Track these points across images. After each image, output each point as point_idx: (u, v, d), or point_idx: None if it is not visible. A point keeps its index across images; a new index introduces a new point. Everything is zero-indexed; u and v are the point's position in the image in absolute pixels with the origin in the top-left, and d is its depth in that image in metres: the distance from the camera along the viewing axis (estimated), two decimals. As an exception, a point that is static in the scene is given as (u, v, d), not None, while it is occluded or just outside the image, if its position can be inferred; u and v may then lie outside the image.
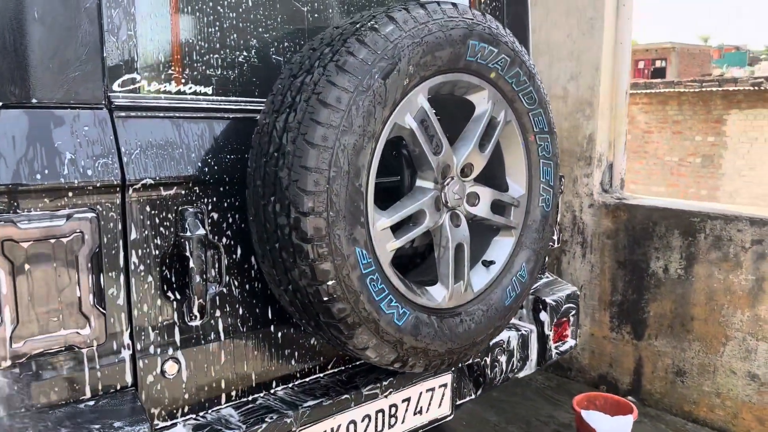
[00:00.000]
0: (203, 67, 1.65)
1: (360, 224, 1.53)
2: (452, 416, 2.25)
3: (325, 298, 1.50)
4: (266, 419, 1.65)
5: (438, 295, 1.76)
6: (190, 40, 1.62)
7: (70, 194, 1.39)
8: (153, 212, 1.53)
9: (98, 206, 1.44)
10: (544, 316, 2.44)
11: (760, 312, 3.04)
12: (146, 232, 1.52)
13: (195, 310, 1.58)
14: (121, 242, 1.48)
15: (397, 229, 1.69)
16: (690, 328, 3.31)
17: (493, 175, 1.93)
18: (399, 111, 1.58)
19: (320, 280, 1.48)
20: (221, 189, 1.64)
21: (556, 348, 2.50)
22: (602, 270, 3.67)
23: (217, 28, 1.66)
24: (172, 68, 1.60)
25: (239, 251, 1.69)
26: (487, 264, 1.92)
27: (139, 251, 1.52)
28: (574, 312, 2.57)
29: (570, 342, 2.59)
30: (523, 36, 2.40)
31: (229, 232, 1.67)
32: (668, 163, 14.26)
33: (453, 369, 2.08)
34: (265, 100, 1.73)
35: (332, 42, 1.55)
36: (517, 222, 1.95)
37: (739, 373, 3.14)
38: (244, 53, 1.72)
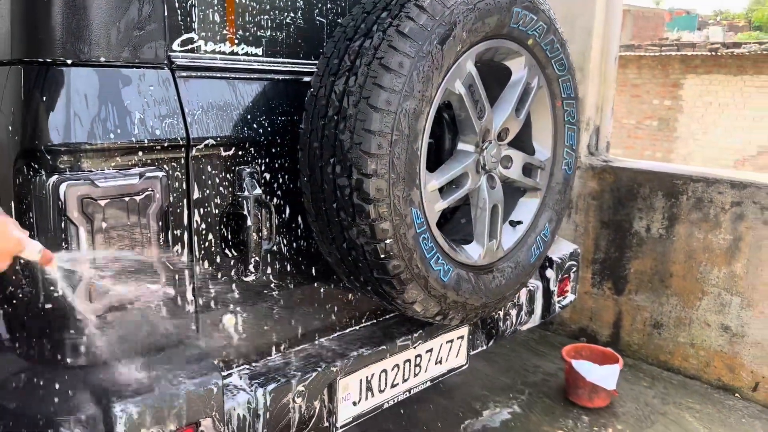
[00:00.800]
0: (254, 28, 1.66)
1: (415, 186, 1.60)
2: (467, 366, 2.39)
3: (383, 256, 1.57)
4: (317, 368, 1.74)
5: (474, 253, 1.86)
6: (243, 1, 1.63)
7: (140, 153, 1.41)
8: (213, 172, 1.57)
9: (165, 165, 1.46)
10: (550, 272, 2.58)
11: (736, 269, 3.27)
12: (207, 192, 1.56)
13: (251, 267, 1.64)
14: (184, 201, 1.52)
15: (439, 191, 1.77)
16: (669, 284, 3.54)
17: (521, 139, 2.02)
18: (450, 76, 1.64)
19: (379, 238, 1.55)
20: (273, 150, 1.68)
21: (558, 302, 2.66)
22: (586, 229, 3.85)
23: (265, -12, 1.67)
24: (226, 28, 1.61)
25: (287, 210, 1.75)
26: (514, 224, 2.03)
27: (201, 210, 1.55)
28: (575, 269, 2.73)
29: (570, 297, 2.76)
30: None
31: (279, 192, 1.71)
32: (626, 125, 14.63)
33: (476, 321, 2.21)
34: (309, 61, 1.76)
35: (388, 6, 1.58)
36: (543, 184, 2.06)
37: (713, 325, 3.39)
38: (291, 14, 1.74)
